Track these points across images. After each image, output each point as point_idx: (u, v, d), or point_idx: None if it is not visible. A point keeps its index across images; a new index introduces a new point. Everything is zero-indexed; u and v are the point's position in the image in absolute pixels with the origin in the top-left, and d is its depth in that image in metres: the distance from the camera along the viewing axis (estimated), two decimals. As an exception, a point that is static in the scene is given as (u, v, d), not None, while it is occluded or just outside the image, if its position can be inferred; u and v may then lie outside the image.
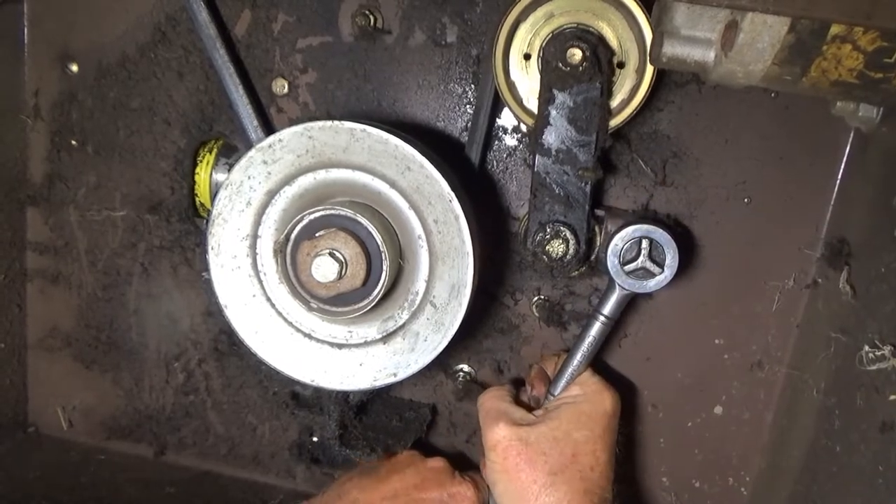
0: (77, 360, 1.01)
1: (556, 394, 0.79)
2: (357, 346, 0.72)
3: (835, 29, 0.56)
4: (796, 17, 0.56)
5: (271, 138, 0.67)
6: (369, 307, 0.67)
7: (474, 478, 0.82)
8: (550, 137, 0.73)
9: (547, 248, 0.75)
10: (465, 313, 0.69)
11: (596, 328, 0.77)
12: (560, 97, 0.71)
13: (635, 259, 0.72)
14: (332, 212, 0.66)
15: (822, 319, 0.81)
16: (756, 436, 0.91)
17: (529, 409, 0.79)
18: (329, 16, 0.85)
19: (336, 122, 0.66)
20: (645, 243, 0.72)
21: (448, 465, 0.83)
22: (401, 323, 0.70)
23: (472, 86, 0.85)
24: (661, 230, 0.72)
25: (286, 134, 0.67)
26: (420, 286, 0.69)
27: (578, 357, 0.78)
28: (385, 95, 0.87)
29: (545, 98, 0.71)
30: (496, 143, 0.87)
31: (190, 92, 0.90)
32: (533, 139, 0.74)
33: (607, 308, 0.76)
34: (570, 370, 0.78)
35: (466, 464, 0.89)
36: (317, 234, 0.66)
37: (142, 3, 0.88)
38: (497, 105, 0.82)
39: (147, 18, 0.88)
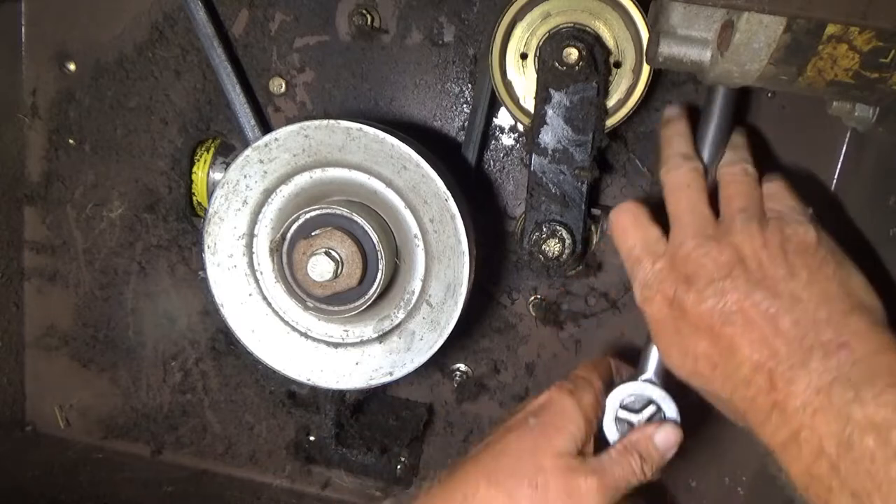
0: (74, 358, 1.01)
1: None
2: (353, 344, 0.72)
3: (831, 29, 0.56)
4: (792, 16, 0.56)
5: (267, 137, 0.67)
6: (365, 306, 0.67)
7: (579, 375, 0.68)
8: (547, 137, 0.73)
9: (543, 247, 0.75)
10: (461, 312, 0.69)
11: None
12: (556, 97, 0.71)
13: (636, 411, 0.67)
14: (329, 211, 0.66)
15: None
16: (753, 435, 0.90)
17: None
18: (326, 15, 0.85)
19: (332, 122, 0.66)
20: (652, 408, 0.67)
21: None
22: (397, 322, 0.71)
23: (469, 85, 0.85)
24: (674, 408, 0.66)
25: (282, 133, 0.67)
26: (416, 285, 0.70)
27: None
28: (382, 95, 0.87)
29: (541, 97, 0.71)
30: (493, 142, 0.87)
31: (187, 91, 0.90)
32: (529, 139, 0.74)
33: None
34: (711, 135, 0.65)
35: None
36: (313, 233, 0.66)
37: (139, 2, 0.88)
38: (494, 104, 0.82)
39: (145, 18, 0.88)
